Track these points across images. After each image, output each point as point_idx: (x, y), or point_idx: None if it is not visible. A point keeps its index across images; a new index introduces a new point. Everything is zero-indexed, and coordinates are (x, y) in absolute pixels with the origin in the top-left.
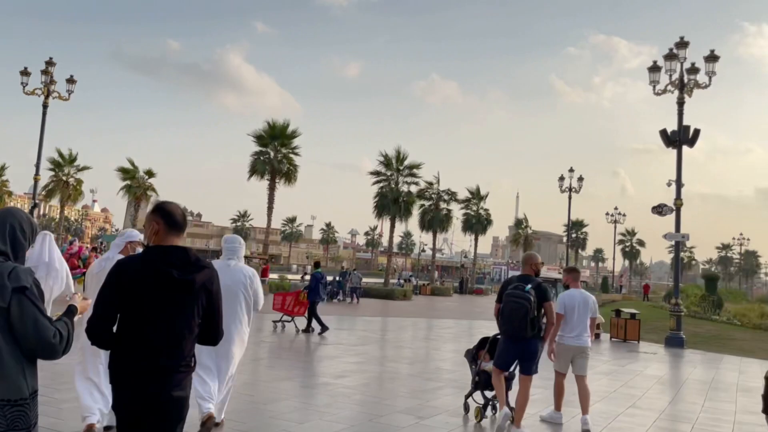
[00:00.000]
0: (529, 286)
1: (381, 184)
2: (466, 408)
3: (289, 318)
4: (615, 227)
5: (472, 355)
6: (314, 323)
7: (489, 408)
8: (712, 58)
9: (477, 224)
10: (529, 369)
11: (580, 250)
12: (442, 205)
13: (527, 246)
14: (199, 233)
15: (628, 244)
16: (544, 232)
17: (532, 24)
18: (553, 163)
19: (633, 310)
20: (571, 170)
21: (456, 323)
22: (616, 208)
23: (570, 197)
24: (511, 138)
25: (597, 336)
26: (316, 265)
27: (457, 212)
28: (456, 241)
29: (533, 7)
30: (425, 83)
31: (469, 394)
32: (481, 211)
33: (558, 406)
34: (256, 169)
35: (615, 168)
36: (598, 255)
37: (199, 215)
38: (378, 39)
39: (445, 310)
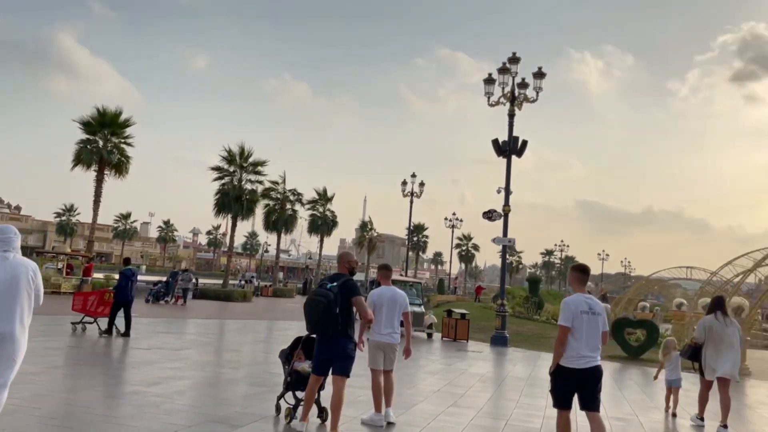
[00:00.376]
0: (335, 283)
1: (223, 181)
2: (278, 409)
3: (92, 319)
4: (453, 232)
5: (286, 355)
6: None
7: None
8: (539, 74)
9: (323, 225)
10: (340, 369)
11: (421, 253)
12: (288, 205)
13: (371, 248)
14: (18, 228)
15: (464, 248)
16: (389, 235)
17: (383, 32)
18: (399, 168)
19: (463, 311)
20: (414, 175)
21: (296, 325)
22: (454, 214)
23: (411, 201)
24: (360, 142)
25: (429, 336)
26: (126, 261)
27: (304, 213)
28: (303, 243)
29: (383, 15)
30: (276, 82)
31: (281, 395)
32: (328, 213)
33: (378, 408)
34: (81, 159)
35: (456, 176)
36: (437, 258)
37: (18, 208)
38: (228, 32)
39: (285, 311)
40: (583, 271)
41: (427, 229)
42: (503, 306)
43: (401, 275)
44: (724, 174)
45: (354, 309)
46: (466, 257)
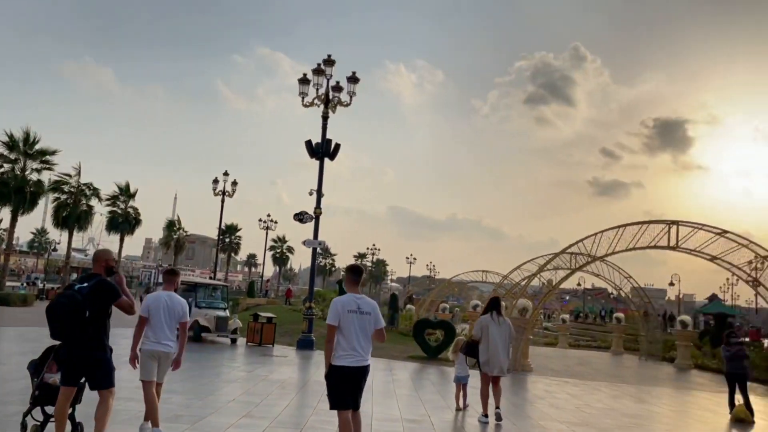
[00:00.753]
0: (86, 284)
1: (2, 169)
2: (24, 428)
3: None
4: (267, 233)
5: (35, 366)
6: None
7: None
8: (353, 79)
9: (124, 223)
10: (101, 382)
11: (233, 255)
12: (83, 200)
13: (179, 249)
14: None
15: (279, 250)
16: (200, 235)
17: (199, 24)
18: (214, 166)
19: (270, 314)
20: (226, 173)
21: None
22: (268, 215)
23: (223, 200)
24: (172, 136)
25: (233, 341)
26: None
27: (103, 209)
28: (103, 242)
29: (200, 6)
30: (76, 65)
31: (28, 412)
32: (130, 210)
33: (155, 422)
34: None
35: (273, 178)
36: (251, 260)
37: None
38: (15, 3)
39: None
40: (353, 272)
41: (240, 230)
42: (311, 309)
43: (210, 278)
44: (516, 187)
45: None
46: (281, 259)
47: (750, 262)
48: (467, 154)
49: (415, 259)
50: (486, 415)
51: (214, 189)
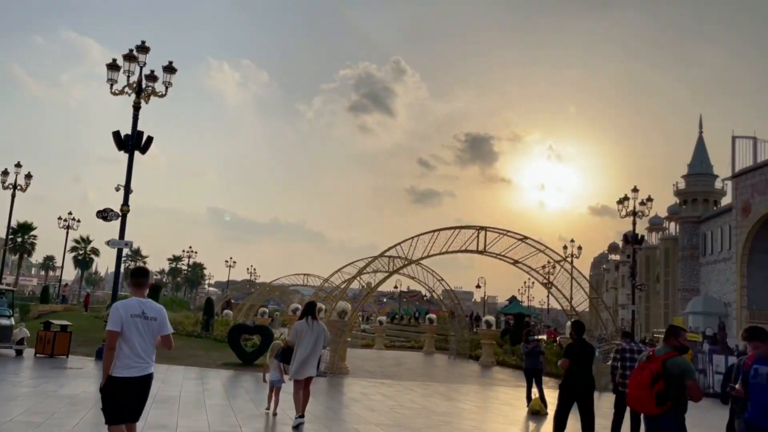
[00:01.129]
0: None
1: None
2: None
3: None
4: (68, 233)
5: None
6: None
7: None
8: (169, 69)
9: None
10: None
11: (26, 256)
12: None
13: None
14: None
15: (81, 252)
16: None
17: None
18: (6, 158)
19: (66, 322)
20: (19, 165)
21: None
22: (70, 213)
23: (14, 195)
24: None
25: (19, 353)
26: None
27: None
28: None
29: None
30: None
31: None
32: None
33: None
34: None
35: (78, 173)
36: (48, 262)
37: None
38: None
39: None
40: (138, 274)
41: (35, 228)
42: None
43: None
44: (339, 192)
45: None
46: (84, 262)
47: (544, 266)
48: (291, 157)
49: (235, 262)
50: (301, 416)
51: (3, 182)
